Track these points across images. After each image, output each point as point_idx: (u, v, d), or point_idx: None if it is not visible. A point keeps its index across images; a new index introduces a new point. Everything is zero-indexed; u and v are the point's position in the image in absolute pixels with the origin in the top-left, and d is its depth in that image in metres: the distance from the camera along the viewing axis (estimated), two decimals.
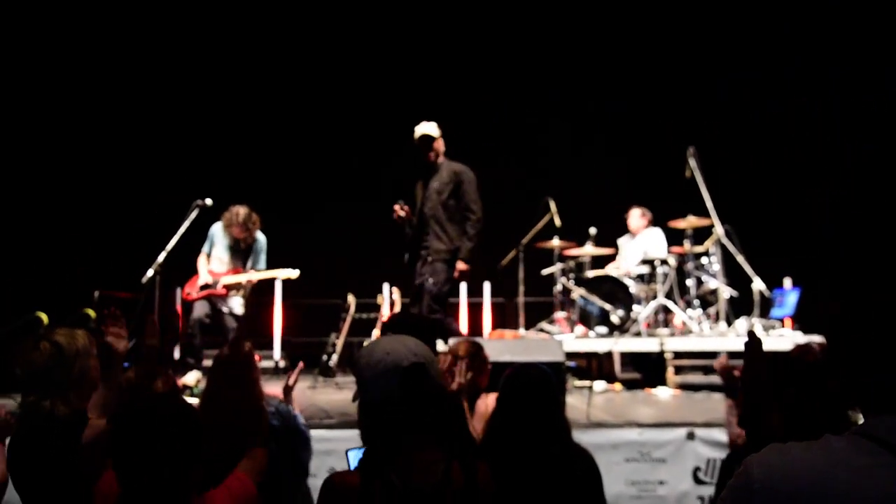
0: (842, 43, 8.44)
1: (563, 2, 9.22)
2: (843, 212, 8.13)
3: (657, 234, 7.82)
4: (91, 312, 4.46)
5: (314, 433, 4.15)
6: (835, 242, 7.75)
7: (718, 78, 8.79)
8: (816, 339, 6.55)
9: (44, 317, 4.11)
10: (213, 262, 6.43)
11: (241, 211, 6.30)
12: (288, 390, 3.67)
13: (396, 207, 5.92)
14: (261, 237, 6.48)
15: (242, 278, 6.31)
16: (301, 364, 3.95)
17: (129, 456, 1.92)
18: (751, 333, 2.46)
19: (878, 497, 0.94)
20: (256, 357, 3.45)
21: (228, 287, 6.31)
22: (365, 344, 1.96)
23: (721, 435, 4.39)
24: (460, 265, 5.78)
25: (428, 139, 5.87)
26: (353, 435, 2.12)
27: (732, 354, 6.33)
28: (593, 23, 9.09)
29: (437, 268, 5.76)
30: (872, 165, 8.18)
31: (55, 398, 2.60)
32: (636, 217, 7.90)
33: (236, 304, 6.43)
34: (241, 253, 6.44)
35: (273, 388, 3.84)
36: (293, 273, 6.47)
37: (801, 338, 6.77)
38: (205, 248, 6.47)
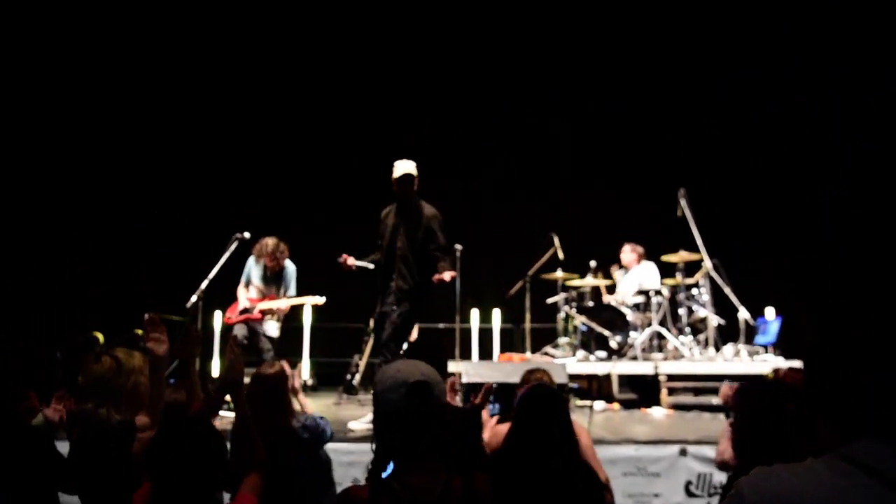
0: (842, 43, 8.23)
1: (566, 8, 9.16)
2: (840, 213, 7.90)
3: (651, 267, 7.83)
4: (140, 332, 4.55)
5: (339, 446, 4.20)
6: (819, 271, 7.56)
7: (707, 123, 8.76)
8: (797, 364, 6.56)
9: (100, 336, 4.19)
10: (251, 291, 6.53)
11: (269, 242, 6.41)
12: (294, 392, 3.69)
13: (340, 260, 5.67)
14: (290, 265, 6.56)
15: (275, 304, 6.40)
16: (299, 366, 3.95)
17: (162, 473, 2.00)
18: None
19: None
20: (289, 372, 3.49)
21: (263, 312, 6.40)
22: (356, 361, 2.04)
23: (711, 452, 4.38)
24: (448, 273, 5.29)
25: (409, 178, 5.50)
26: None
27: (721, 377, 6.37)
28: (595, 26, 9.03)
29: (402, 305, 5.40)
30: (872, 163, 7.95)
31: (110, 407, 2.65)
32: (627, 252, 7.92)
33: (271, 328, 6.51)
34: (273, 280, 6.53)
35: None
36: (320, 300, 6.53)
37: (782, 363, 6.77)
38: (243, 280, 6.57)
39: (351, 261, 5.65)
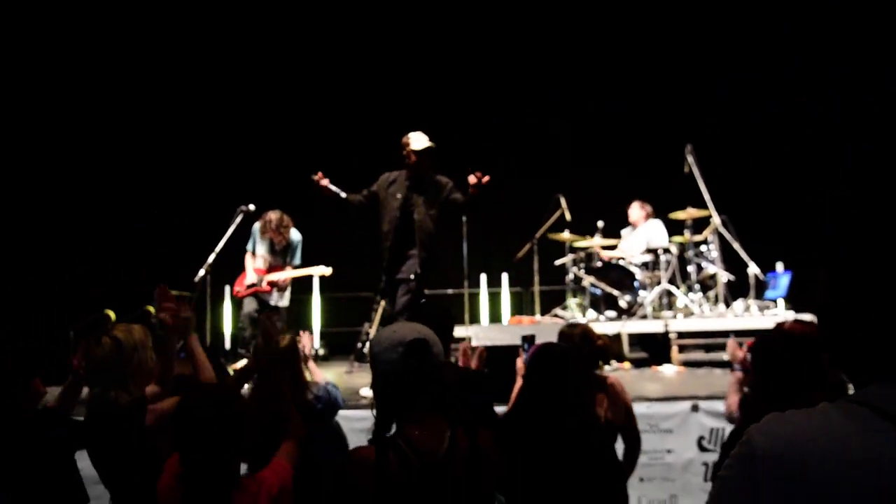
0: (842, 43, 8.12)
1: (566, 6, 9.06)
2: (841, 209, 7.81)
3: (659, 225, 7.74)
4: (151, 309, 4.51)
5: (351, 413, 4.18)
6: (835, 236, 7.47)
7: (715, 78, 8.55)
8: (807, 317, 6.48)
9: (111, 314, 4.15)
10: (258, 261, 6.49)
11: (272, 217, 6.34)
12: (305, 360, 3.65)
13: (315, 178, 5.49)
14: (295, 235, 6.50)
15: (282, 276, 6.36)
16: (310, 334, 3.91)
17: (188, 441, 2.02)
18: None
19: (872, 458, 0.92)
20: (301, 344, 3.44)
21: (271, 284, 6.37)
22: (366, 329, 2.04)
23: (722, 406, 4.35)
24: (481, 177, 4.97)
25: (432, 151, 5.33)
26: None
27: (731, 333, 6.31)
28: (596, 26, 8.92)
29: (420, 274, 5.29)
30: (871, 163, 7.86)
31: (118, 389, 2.64)
32: (636, 209, 7.82)
33: (282, 300, 6.49)
34: (279, 251, 6.49)
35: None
36: (327, 270, 6.49)
37: (792, 316, 6.70)
38: (249, 247, 6.52)
39: (325, 182, 5.49)
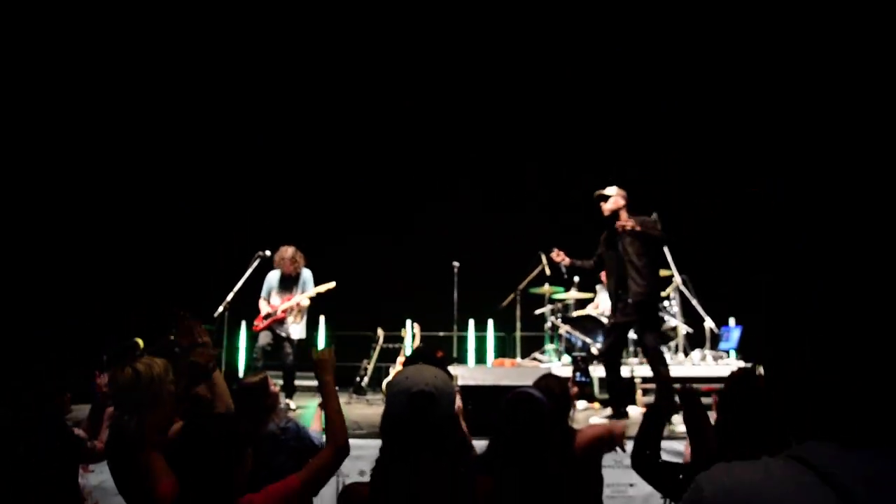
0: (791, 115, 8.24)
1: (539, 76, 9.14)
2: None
3: None
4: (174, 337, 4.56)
5: (354, 441, 4.16)
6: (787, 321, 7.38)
7: (681, 152, 8.77)
8: (747, 365, 6.54)
9: (140, 342, 4.17)
10: (272, 299, 6.54)
11: (288, 250, 6.46)
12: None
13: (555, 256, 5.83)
14: (306, 272, 6.55)
15: (294, 301, 6.39)
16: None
17: (187, 466, 1.95)
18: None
19: None
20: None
21: (286, 311, 6.39)
22: (364, 365, 1.91)
23: (678, 445, 4.36)
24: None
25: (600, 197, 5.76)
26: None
27: (689, 379, 6.33)
28: (572, 101, 8.98)
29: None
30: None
31: (133, 414, 2.61)
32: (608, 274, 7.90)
33: (296, 331, 6.49)
34: (291, 285, 6.53)
35: (316, 403, 3.86)
36: (331, 284, 6.50)
37: (742, 365, 6.74)
38: (263, 294, 6.57)
39: (563, 258, 5.81)
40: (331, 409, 2.34)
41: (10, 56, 7.93)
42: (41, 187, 8.10)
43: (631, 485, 4.66)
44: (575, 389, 3.30)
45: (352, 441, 4.50)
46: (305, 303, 6.46)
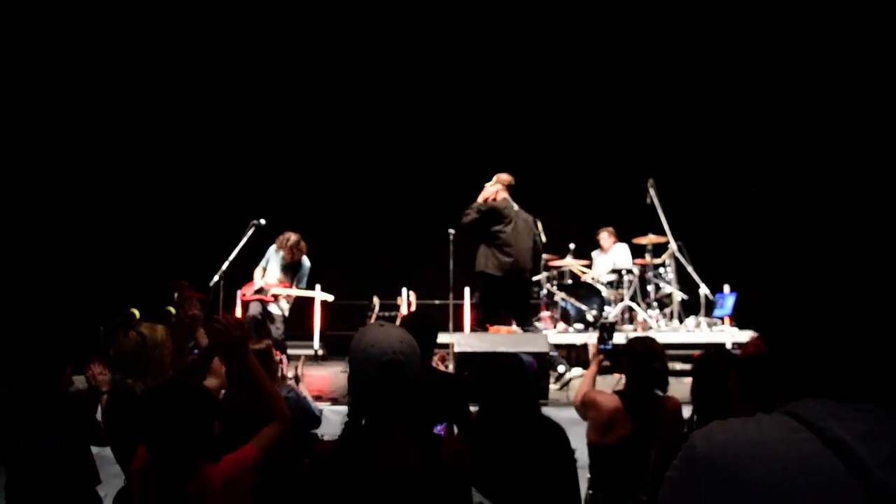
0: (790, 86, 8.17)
1: (541, 52, 9.10)
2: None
3: (624, 248, 7.85)
4: (172, 309, 4.55)
5: (343, 408, 4.20)
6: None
7: (676, 121, 8.73)
8: (750, 334, 6.58)
9: (136, 312, 4.18)
10: (268, 275, 6.55)
11: (291, 237, 6.44)
12: (296, 379, 3.62)
13: None
14: (306, 261, 6.58)
15: (286, 292, 6.43)
16: (303, 358, 3.91)
17: (152, 431, 2.00)
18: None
19: (795, 462, 0.96)
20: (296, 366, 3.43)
21: (275, 296, 6.42)
22: (359, 329, 1.83)
23: None
24: None
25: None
26: None
27: (684, 345, 6.39)
28: (574, 74, 8.97)
29: None
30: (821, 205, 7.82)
31: (136, 378, 2.69)
32: (606, 237, 7.93)
33: (283, 307, 6.52)
34: (288, 270, 6.54)
35: (314, 371, 3.90)
36: (328, 297, 6.57)
37: (737, 333, 6.80)
38: (262, 263, 6.59)
39: None
40: (267, 387, 2.32)
41: (10, 56, 7.85)
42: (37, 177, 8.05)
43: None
44: (601, 358, 3.35)
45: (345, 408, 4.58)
46: (297, 292, 6.49)
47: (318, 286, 6.83)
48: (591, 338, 6.99)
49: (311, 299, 7.15)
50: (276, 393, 2.36)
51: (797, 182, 7.99)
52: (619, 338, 6.67)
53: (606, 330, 3.38)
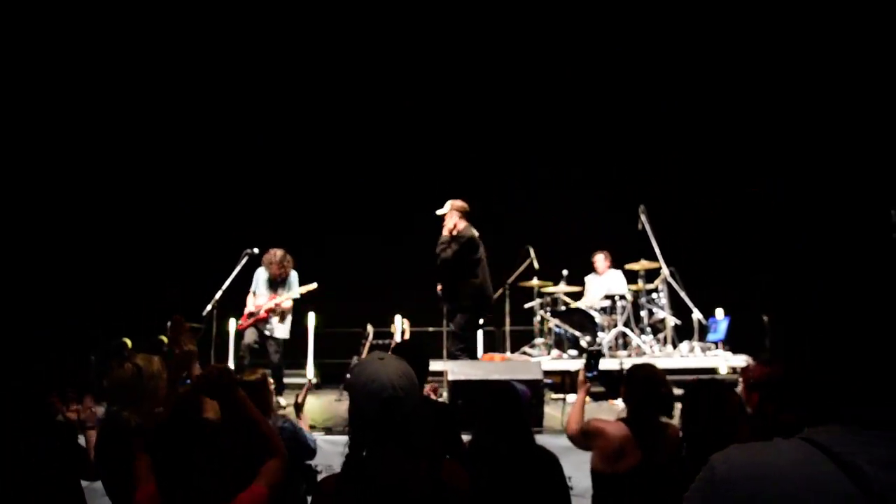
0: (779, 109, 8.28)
1: (536, 81, 9.17)
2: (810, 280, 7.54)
3: (618, 274, 7.87)
4: (164, 339, 4.54)
5: (338, 438, 4.16)
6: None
7: (665, 149, 8.82)
8: (743, 358, 6.60)
9: (128, 342, 4.16)
10: (259, 298, 6.52)
11: (278, 252, 6.44)
12: (299, 406, 3.60)
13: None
14: (294, 275, 6.56)
15: (276, 301, 6.38)
16: (309, 383, 3.90)
17: (165, 463, 1.94)
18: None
19: (811, 486, 0.97)
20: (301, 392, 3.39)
21: (269, 311, 6.38)
22: (356, 361, 1.86)
23: None
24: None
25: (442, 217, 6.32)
26: None
27: (678, 371, 6.38)
28: (569, 100, 9.04)
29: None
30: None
31: (131, 409, 2.65)
32: (601, 260, 7.96)
33: (281, 331, 6.48)
34: (277, 287, 6.52)
35: (308, 399, 3.84)
36: (312, 285, 6.50)
37: (731, 357, 6.80)
38: (251, 288, 6.56)
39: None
40: (261, 422, 2.28)
41: (10, 55, 7.87)
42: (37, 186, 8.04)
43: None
44: (588, 385, 3.36)
45: (343, 438, 4.54)
46: (288, 304, 6.46)
47: (299, 289, 6.74)
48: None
49: (306, 326, 7.12)
50: (270, 430, 2.33)
51: (797, 182, 8.02)
52: (612, 364, 6.74)
53: (593, 357, 3.39)
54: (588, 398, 6.64)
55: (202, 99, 8.85)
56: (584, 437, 3.12)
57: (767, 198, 8.25)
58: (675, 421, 3.20)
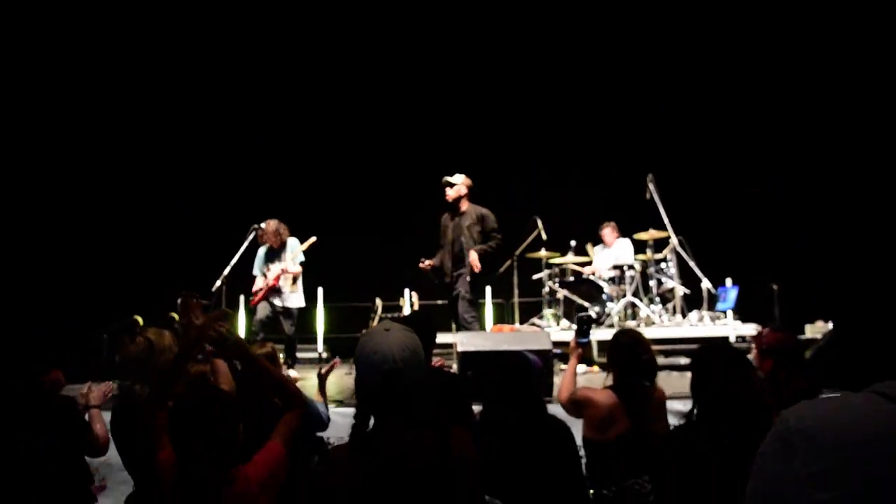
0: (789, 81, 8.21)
1: (539, 49, 9.12)
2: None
3: (626, 244, 7.84)
4: (175, 315, 4.56)
5: (348, 410, 4.19)
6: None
7: (674, 115, 8.74)
8: (753, 327, 6.59)
9: (139, 319, 4.18)
10: (269, 273, 6.53)
11: (271, 223, 6.40)
12: (322, 378, 3.63)
13: (421, 265, 6.35)
14: (291, 240, 6.51)
15: (281, 267, 6.36)
16: (337, 360, 3.92)
17: (183, 436, 1.97)
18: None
19: (882, 432, 1.01)
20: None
21: (277, 278, 6.37)
22: (363, 332, 1.86)
23: (674, 405, 4.38)
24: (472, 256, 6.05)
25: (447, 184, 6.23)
26: None
27: (687, 340, 6.39)
28: (574, 70, 9.01)
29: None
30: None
31: (143, 384, 2.67)
32: (609, 232, 7.93)
33: (295, 300, 6.48)
34: (277, 256, 6.50)
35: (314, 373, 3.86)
36: (312, 239, 6.49)
37: (740, 326, 6.79)
38: (257, 266, 6.55)
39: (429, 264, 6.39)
40: (280, 378, 2.35)
41: (10, 55, 7.86)
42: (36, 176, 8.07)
43: None
44: (580, 352, 3.35)
45: (352, 410, 4.57)
46: (295, 268, 6.42)
47: (300, 247, 6.73)
48: (594, 335, 6.99)
49: (314, 300, 7.16)
50: (287, 379, 2.38)
51: (797, 182, 8.00)
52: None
53: (585, 323, 3.35)
54: (598, 368, 6.72)
55: (202, 92, 8.87)
56: (574, 406, 3.14)
57: (769, 198, 8.24)
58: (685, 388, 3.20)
